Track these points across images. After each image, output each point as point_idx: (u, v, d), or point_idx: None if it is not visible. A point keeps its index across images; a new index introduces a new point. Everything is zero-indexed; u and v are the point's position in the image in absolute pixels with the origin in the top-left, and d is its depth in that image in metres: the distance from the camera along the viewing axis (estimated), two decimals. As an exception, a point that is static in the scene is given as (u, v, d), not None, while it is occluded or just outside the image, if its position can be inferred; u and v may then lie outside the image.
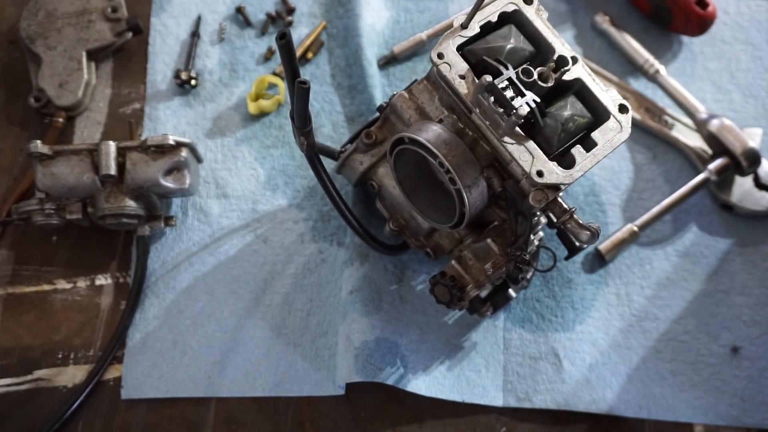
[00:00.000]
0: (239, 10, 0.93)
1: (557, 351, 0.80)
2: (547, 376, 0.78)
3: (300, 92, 0.59)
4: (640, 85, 0.92)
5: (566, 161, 0.63)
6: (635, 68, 0.93)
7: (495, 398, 0.77)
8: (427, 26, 0.93)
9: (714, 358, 0.81)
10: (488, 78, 0.60)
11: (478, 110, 0.62)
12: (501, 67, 0.62)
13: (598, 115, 0.64)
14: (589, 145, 0.63)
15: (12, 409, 0.77)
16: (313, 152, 0.68)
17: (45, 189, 0.77)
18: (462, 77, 0.63)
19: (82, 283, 0.82)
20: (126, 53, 0.93)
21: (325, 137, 0.88)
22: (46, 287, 0.82)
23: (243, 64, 0.92)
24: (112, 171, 0.76)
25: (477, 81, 0.61)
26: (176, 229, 0.84)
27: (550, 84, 0.62)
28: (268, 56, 0.92)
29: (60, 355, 0.79)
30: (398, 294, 0.80)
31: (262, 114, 0.89)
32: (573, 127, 0.63)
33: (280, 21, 0.94)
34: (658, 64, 0.92)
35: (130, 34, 0.90)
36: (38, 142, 0.76)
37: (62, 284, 0.82)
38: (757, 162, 0.85)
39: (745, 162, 0.85)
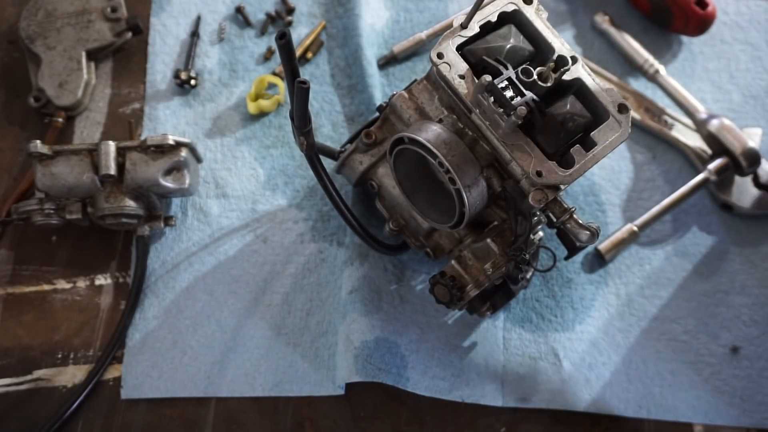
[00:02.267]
0: (239, 10, 0.93)
1: (557, 351, 0.80)
2: (547, 376, 0.78)
3: (300, 92, 0.59)
4: (640, 85, 0.92)
5: (566, 161, 0.62)
6: (635, 68, 0.93)
7: (495, 398, 0.77)
8: (426, 26, 0.93)
9: (714, 358, 0.81)
10: (488, 78, 0.59)
11: (477, 110, 0.62)
12: (501, 67, 0.61)
13: (598, 114, 0.64)
14: (588, 145, 0.63)
15: (12, 409, 0.77)
16: (313, 152, 0.68)
17: (45, 189, 0.77)
18: (462, 77, 0.63)
19: (81, 283, 0.82)
20: (126, 53, 0.93)
21: (325, 137, 0.88)
22: (46, 287, 0.82)
23: (243, 64, 0.92)
24: (112, 171, 0.76)
25: (477, 81, 0.61)
26: (176, 229, 0.84)
27: (549, 84, 0.61)
28: (268, 56, 0.92)
29: (60, 355, 0.79)
30: (398, 294, 0.80)
31: (261, 114, 0.89)
32: (572, 127, 0.63)
33: (279, 21, 0.94)
34: (657, 64, 0.92)
35: (129, 34, 0.90)
36: (38, 142, 0.76)
37: (62, 284, 0.82)
38: (756, 162, 0.85)
39: (744, 162, 0.85)
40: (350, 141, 0.76)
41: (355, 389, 0.77)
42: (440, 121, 0.66)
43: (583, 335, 0.81)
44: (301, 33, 0.93)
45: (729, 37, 0.96)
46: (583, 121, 0.64)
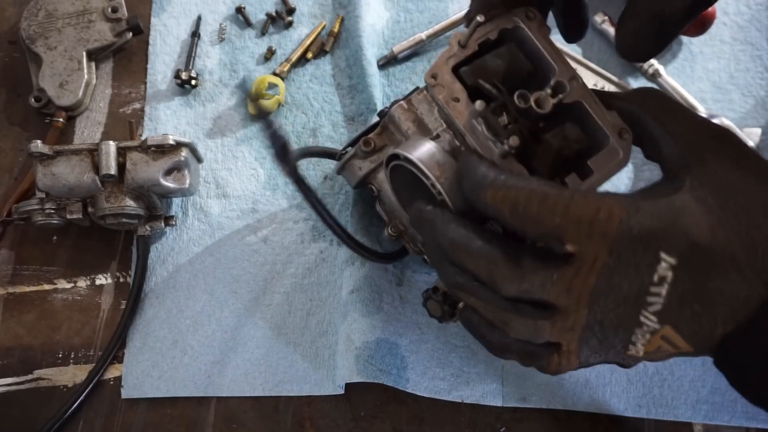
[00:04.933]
0: (239, 10, 0.93)
1: (557, 351, 0.80)
2: (547, 376, 0.78)
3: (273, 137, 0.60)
4: (639, 85, 0.92)
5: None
6: (635, 68, 0.93)
7: (495, 398, 0.77)
8: (427, 26, 0.93)
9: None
10: (481, 104, 0.58)
11: (470, 135, 0.60)
12: (495, 92, 0.59)
13: (597, 139, 0.61)
14: (585, 172, 0.60)
15: (12, 409, 0.77)
16: (296, 175, 0.65)
17: (45, 189, 0.77)
18: (456, 100, 0.60)
19: (82, 283, 0.83)
20: (126, 53, 0.93)
21: (325, 137, 0.88)
22: (47, 287, 0.82)
23: (243, 64, 0.92)
24: (113, 171, 0.76)
25: (471, 105, 0.59)
26: (176, 229, 0.84)
27: (546, 111, 0.58)
28: (268, 56, 0.92)
29: (60, 355, 0.79)
30: (398, 294, 0.81)
31: (262, 114, 0.89)
32: (569, 154, 0.60)
33: (280, 21, 0.94)
34: (657, 64, 0.92)
35: (130, 34, 0.90)
36: (38, 142, 0.76)
37: (63, 284, 0.83)
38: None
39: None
40: (351, 144, 0.75)
41: (356, 389, 0.77)
42: (437, 137, 0.64)
43: (583, 335, 0.81)
44: (301, 33, 0.93)
45: (729, 37, 0.96)
46: (579, 147, 0.60)
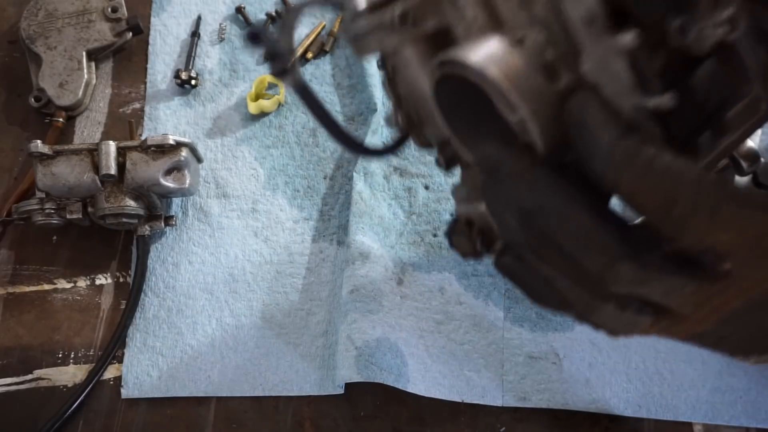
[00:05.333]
0: (239, 10, 0.94)
1: (557, 350, 0.80)
2: (547, 375, 0.78)
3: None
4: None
5: (688, 149, 0.44)
6: (635, 68, 0.93)
7: (495, 398, 0.77)
8: (427, 26, 0.93)
9: (713, 356, 0.81)
10: (633, 39, 0.36)
11: (596, 69, 0.39)
12: (652, 19, 0.38)
13: (740, 85, 0.44)
14: (722, 128, 0.44)
15: (12, 409, 0.77)
16: (301, 87, 0.52)
17: (45, 189, 0.77)
18: (590, 23, 0.38)
19: (82, 283, 0.83)
20: (126, 53, 0.93)
21: (325, 137, 0.88)
22: (47, 287, 0.82)
23: (243, 64, 0.92)
24: (113, 171, 0.76)
25: (612, 33, 0.37)
26: (176, 229, 0.84)
27: (704, 51, 0.39)
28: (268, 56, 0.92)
29: (60, 355, 0.79)
30: (399, 294, 0.80)
31: (262, 114, 0.89)
32: (710, 104, 0.43)
33: (280, 21, 0.94)
34: (657, 64, 0.92)
35: (130, 34, 0.90)
36: (38, 141, 0.76)
37: (62, 284, 0.83)
38: (756, 162, 0.85)
39: (744, 162, 0.85)
40: (373, 8, 0.49)
41: (356, 389, 0.77)
42: (520, 41, 0.41)
43: (582, 335, 0.81)
44: (301, 33, 0.93)
45: (729, 37, 0.96)
46: (720, 97, 0.44)
